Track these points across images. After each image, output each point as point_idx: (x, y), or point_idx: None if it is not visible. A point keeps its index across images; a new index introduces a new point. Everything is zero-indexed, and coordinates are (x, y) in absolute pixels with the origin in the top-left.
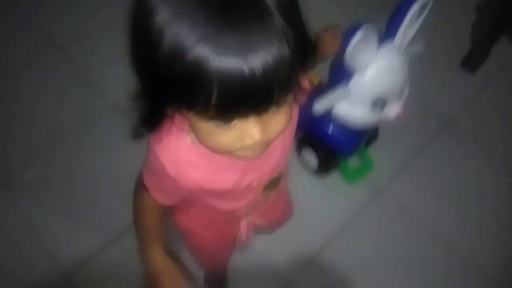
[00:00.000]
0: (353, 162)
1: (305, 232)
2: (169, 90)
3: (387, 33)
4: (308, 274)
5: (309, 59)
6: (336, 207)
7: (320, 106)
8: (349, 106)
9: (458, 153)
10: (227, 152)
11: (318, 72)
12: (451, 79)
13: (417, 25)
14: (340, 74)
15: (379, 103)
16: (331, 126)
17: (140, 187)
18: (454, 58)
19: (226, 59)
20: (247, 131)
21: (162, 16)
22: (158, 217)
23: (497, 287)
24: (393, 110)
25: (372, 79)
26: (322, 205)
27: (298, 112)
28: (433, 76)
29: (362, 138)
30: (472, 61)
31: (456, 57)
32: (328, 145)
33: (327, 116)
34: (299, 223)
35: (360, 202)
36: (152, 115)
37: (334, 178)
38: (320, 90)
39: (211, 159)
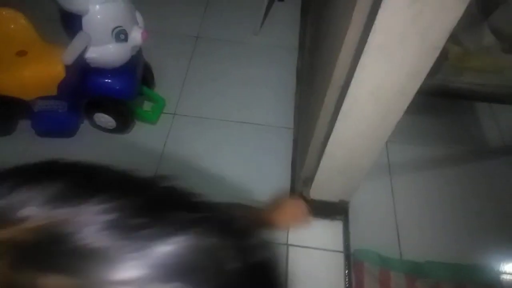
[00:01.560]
0: (146, 107)
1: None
2: None
3: None
4: None
5: None
6: (150, 145)
7: (68, 57)
8: (99, 48)
9: (212, 56)
10: None
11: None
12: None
13: None
14: (70, 22)
15: (121, 34)
16: (102, 77)
17: None
18: None
19: None
20: None
21: None
22: None
23: (282, 130)
24: (136, 36)
25: (101, 15)
26: (136, 150)
27: (67, 84)
28: (165, 3)
29: (135, 75)
30: None
31: None
32: (113, 98)
33: (93, 70)
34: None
35: (166, 130)
36: None
37: (136, 127)
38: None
39: None
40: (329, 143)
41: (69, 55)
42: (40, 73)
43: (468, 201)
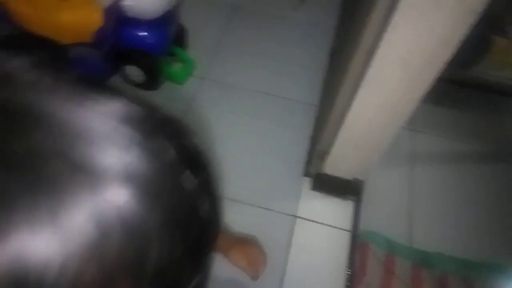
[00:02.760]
0: (176, 67)
1: None
2: None
3: None
4: None
5: None
6: (174, 105)
7: (104, 0)
8: None
9: (250, 30)
10: None
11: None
12: None
13: None
14: None
15: None
16: (135, 29)
17: None
18: None
19: None
20: None
21: None
22: None
23: (306, 106)
24: None
25: None
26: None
27: (104, 33)
28: None
29: (167, 31)
30: None
31: None
32: (144, 52)
33: (128, 21)
34: None
35: (193, 93)
36: None
37: (163, 86)
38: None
39: None
40: (349, 113)
41: None
42: (78, 18)
43: (487, 200)
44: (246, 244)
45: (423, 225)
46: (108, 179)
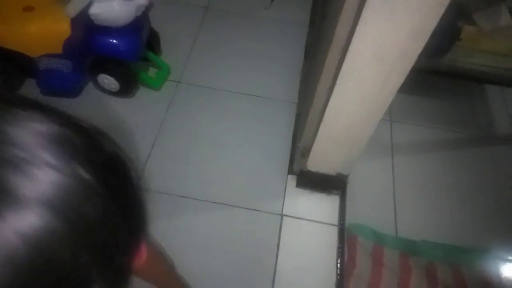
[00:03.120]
0: (151, 72)
1: (134, 140)
2: None
3: None
4: (148, 169)
5: None
6: (151, 111)
7: (71, 10)
8: (103, 4)
9: (223, 30)
10: None
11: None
12: None
13: None
14: None
15: None
16: (106, 36)
17: None
18: None
19: None
20: None
21: None
22: None
23: (285, 104)
24: None
25: None
26: (138, 115)
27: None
28: None
29: (139, 37)
30: None
31: None
32: (116, 59)
33: (97, 29)
34: (124, 137)
35: (169, 98)
36: None
37: (139, 92)
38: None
39: None
40: (327, 109)
41: (73, 7)
42: (46, 29)
43: (469, 186)
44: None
45: (407, 214)
46: (19, 201)
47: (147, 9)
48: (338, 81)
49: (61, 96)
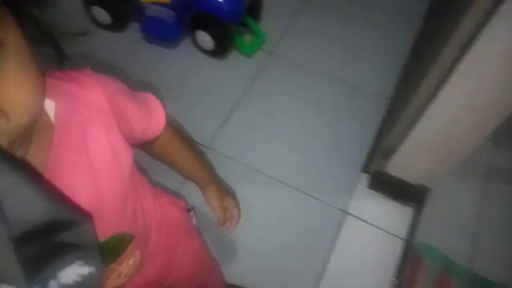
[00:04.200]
0: (246, 38)
1: (216, 102)
2: None
3: None
4: (224, 134)
5: None
6: (239, 76)
7: None
8: None
9: (329, 9)
10: None
11: None
12: None
13: None
14: None
15: None
16: None
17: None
18: None
19: None
20: None
21: None
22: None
23: (377, 98)
24: None
25: None
26: (225, 78)
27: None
28: None
29: (243, 1)
30: None
31: None
32: (216, 18)
33: None
34: (207, 96)
35: (258, 67)
36: None
37: (230, 56)
38: None
39: None
40: (428, 109)
41: None
42: None
43: None
44: (226, 194)
45: (487, 249)
46: None
47: None
48: (450, 79)
49: (160, 44)
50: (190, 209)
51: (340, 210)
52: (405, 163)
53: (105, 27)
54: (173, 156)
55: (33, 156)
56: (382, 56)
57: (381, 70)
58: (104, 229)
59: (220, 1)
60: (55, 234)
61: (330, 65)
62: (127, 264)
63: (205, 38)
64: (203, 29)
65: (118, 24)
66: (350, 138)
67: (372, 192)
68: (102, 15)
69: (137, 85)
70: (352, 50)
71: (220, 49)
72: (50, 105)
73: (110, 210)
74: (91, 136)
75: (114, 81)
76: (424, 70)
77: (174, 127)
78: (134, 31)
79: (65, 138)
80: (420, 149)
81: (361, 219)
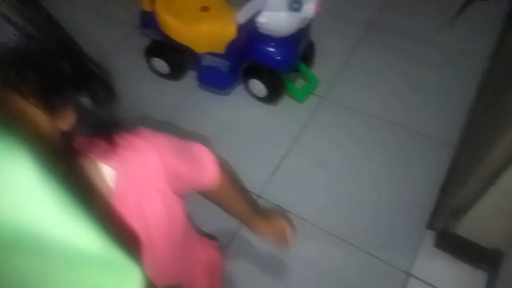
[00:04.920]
0: (298, 83)
1: (268, 148)
2: None
3: None
4: (275, 181)
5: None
6: (291, 122)
7: (241, 16)
8: (271, 14)
9: (384, 50)
10: None
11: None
12: None
13: None
14: None
15: (295, 3)
16: (265, 45)
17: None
18: None
19: None
20: None
21: None
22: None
23: (440, 145)
24: (309, 7)
25: None
26: (277, 124)
27: (235, 46)
28: None
29: (297, 49)
30: None
31: None
32: (270, 68)
33: (259, 37)
34: (259, 142)
35: (310, 112)
36: None
37: (282, 101)
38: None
39: None
40: (507, 171)
41: (243, 14)
42: (214, 30)
43: None
44: (273, 217)
45: None
46: None
47: (311, 20)
48: None
49: (214, 92)
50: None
51: (403, 271)
52: (477, 226)
53: (164, 76)
54: (223, 202)
55: None
56: (444, 99)
57: (442, 114)
58: (157, 283)
59: (274, 53)
60: None
61: (386, 110)
62: None
63: (258, 86)
64: (256, 78)
65: (175, 73)
66: (411, 190)
67: (439, 251)
68: (161, 65)
69: (191, 131)
70: (410, 93)
71: (273, 96)
72: (110, 173)
73: (162, 267)
74: (147, 201)
75: (167, 140)
76: (498, 123)
77: (227, 175)
78: (190, 78)
79: (125, 206)
80: (496, 212)
81: (427, 283)
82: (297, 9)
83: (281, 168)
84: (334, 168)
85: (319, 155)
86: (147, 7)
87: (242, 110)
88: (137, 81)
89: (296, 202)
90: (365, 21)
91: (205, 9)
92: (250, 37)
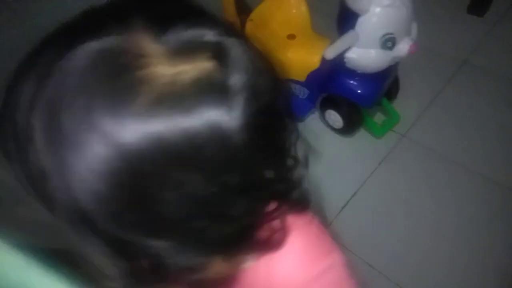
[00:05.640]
0: (377, 117)
1: (337, 183)
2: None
3: None
4: (341, 218)
5: None
6: (364, 157)
7: (330, 52)
8: (361, 50)
9: (475, 91)
10: None
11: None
12: (460, 23)
13: None
14: (345, 20)
15: (389, 42)
16: (349, 78)
17: None
18: (459, 4)
19: None
20: None
21: None
22: None
23: None
24: (403, 47)
25: (377, 18)
26: (350, 157)
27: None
28: (441, 21)
29: (382, 85)
30: (478, 6)
31: (462, 2)
32: (350, 101)
33: (344, 71)
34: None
35: (386, 149)
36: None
37: (358, 133)
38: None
39: None
40: None
41: (333, 50)
42: (298, 58)
43: None
44: None
45: None
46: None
47: (402, 58)
48: None
49: None
50: None
51: None
52: None
53: None
54: None
55: None
56: None
57: None
58: None
59: (358, 87)
60: None
61: (472, 157)
62: None
63: (335, 118)
64: (334, 109)
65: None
66: (497, 250)
67: None
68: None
69: None
70: (501, 142)
71: (349, 129)
72: None
73: None
74: None
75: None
76: None
77: None
78: None
79: None
80: None
81: None
82: (390, 48)
83: (350, 204)
84: (408, 213)
85: (393, 196)
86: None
87: (314, 138)
88: None
89: (362, 244)
90: (456, 58)
91: (291, 37)
92: (334, 69)
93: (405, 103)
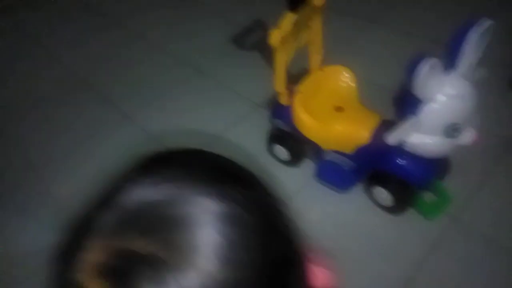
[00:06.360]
0: (427, 197)
1: (384, 264)
2: None
3: (449, 61)
4: None
5: None
6: (414, 239)
7: (393, 138)
8: (423, 136)
9: None
10: None
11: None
12: (504, 102)
13: (481, 49)
14: (409, 105)
15: (452, 130)
16: (403, 159)
17: None
18: (502, 82)
19: None
20: None
21: None
22: None
23: None
24: (467, 136)
25: (443, 107)
26: (398, 237)
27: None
28: (485, 101)
29: (435, 167)
30: None
31: (503, 81)
32: (401, 180)
33: (397, 149)
34: (375, 257)
35: (436, 233)
36: None
37: (407, 213)
38: (384, 126)
39: None
40: None
41: (395, 136)
42: (348, 132)
43: None
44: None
45: None
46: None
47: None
48: None
49: (330, 186)
50: None
51: None
52: None
53: (282, 161)
54: None
55: None
56: None
57: None
58: None
59: (411, 167)
60: None
61: None
62: None
63: (383, 196)
64: (383, 187)
65: (294, 162)
66: None
67: None
68: (282, 152)
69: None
70: None
71: (398, 209)
72: None
73: None
74: None
75: None
76: None
77: None
78: (306, 168)
79: None
80: None
81: None
82: (455, 137)
83: None
84: None
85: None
86: (284, 101)
87: (357, 212)
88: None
89: None
90: (501, 136)
91: (339, 109)
92: (386, 146)
93: (457, 181)
